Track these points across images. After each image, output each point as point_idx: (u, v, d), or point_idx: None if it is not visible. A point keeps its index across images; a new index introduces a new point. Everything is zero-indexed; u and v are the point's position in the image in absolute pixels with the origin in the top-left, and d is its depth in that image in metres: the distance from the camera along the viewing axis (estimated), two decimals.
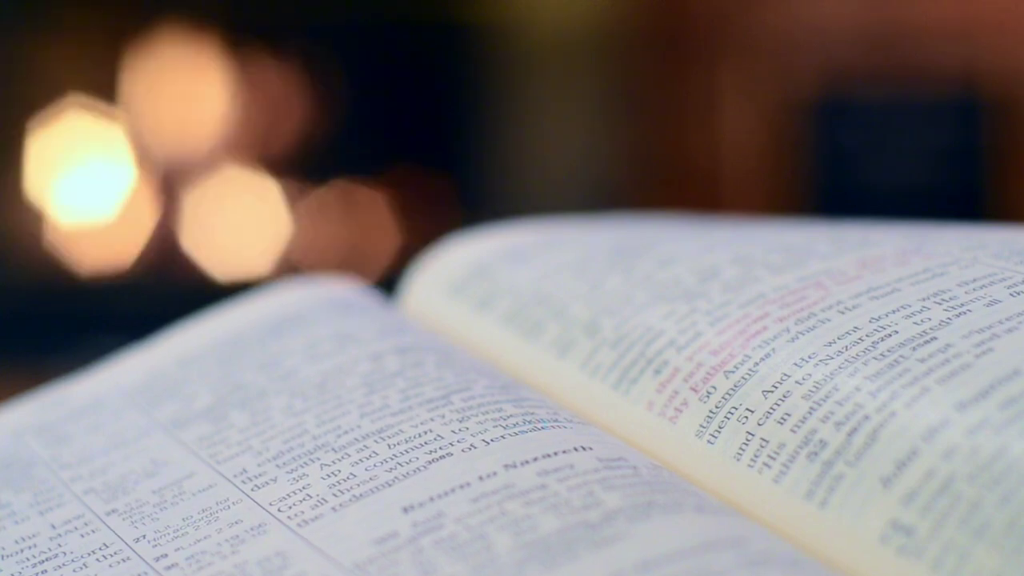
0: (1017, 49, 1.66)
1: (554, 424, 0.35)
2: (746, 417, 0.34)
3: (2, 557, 0.35)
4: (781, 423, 0.33)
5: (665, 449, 0.35)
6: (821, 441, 0.32)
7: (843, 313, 0.35)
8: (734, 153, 1.74)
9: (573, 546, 0.29)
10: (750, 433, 0.33)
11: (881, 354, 0.33)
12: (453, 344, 0.41)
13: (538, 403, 0.36)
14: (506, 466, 0.33)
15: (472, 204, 1.70)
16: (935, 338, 0.33)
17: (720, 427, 0.34)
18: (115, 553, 0.34)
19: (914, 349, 0.33)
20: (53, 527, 0.36)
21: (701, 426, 0.34)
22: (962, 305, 0.34)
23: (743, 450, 0.33)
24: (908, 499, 0.30)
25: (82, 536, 0.35)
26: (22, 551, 0.35)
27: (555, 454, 0.33)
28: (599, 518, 0.30)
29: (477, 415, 0.35)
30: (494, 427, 0.35)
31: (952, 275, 0.36)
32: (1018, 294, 0.34)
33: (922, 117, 1.67)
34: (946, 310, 0.34)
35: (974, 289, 0.35)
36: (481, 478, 0.32)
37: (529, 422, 0.35)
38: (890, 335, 0.34)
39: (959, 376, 0.32)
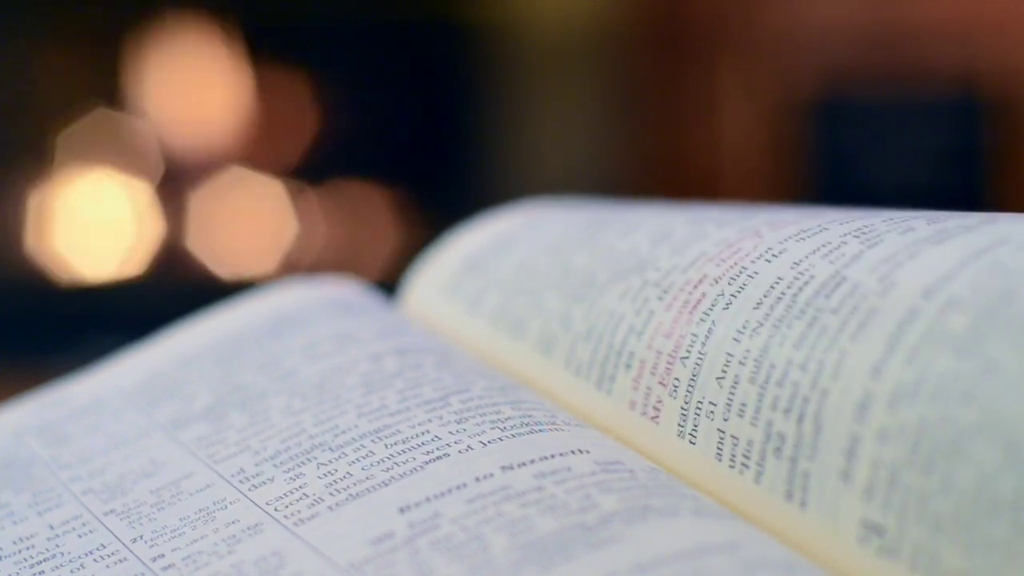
0: (1017, 49, 1.66)
1: (552, 427, 0.35)
2: (712, 412, 0.33)
3: (0, 557, 0.35)
4: (741, 416, 0.32)
5: (657, 453, 0.35)
6: (780, 434, 0.31)
7: (769, 261, 0.35)
8: (734, 153, 1.74)
9: (569, 547, 0.29)
10: (720, 430, 0.33)
11: (801, 310, 0.32)
12: (452, 344, 0.41)
13: (536, 405, 0.36)
14: (503, 468, 0.33)
15: (472, 204, 1.70)
16: (845, 278, 0.32)
17: (695, 425, 0.34)
18: (112, 554, 0.34)
19: (827, 296, 0.32)
20: (51, 527, 0.36)
21: (680, 425, 0.34)
22: (878, 236, 0.33)
23: (720, 449, 0.33)
24: (869, 494, 0.29)
25: (80, 536, 0.35)
26: (20, 551, 0.35)
27: (552, 456, 0.33)
28: (595, 520, 0.30)
29: (475, 417, 0.35)
30: (492, 429, 0.35)
31: (882, 216, 0.35)
32: (933, 222, 0.33)
33: (922, 117, 1.67)
34: (861, 243, 0.33)
35: (895, 223, 0.34)
36: (478, 479, 0.32)
37: (527, 424, 0.35)
38: (807, 282, 0.33)
39: (868, 326, 0.31)
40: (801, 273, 0.33)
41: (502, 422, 0.35)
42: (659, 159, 1.78)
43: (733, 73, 1.73)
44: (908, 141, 1.67)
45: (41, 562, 0.34)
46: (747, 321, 0.33)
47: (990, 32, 1.66)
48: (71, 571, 0.34)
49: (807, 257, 0.34)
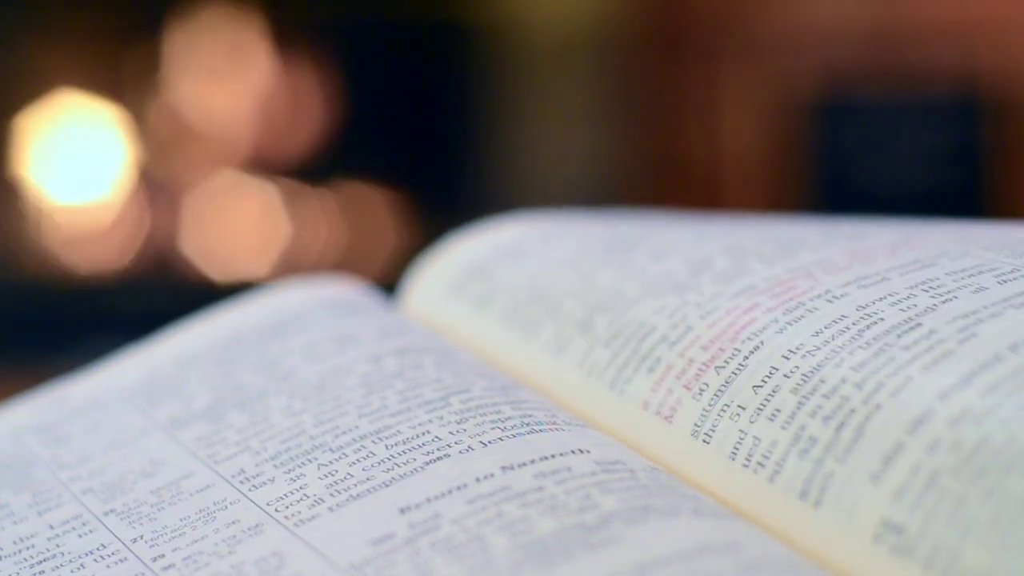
0: (1017, 49, 1.66)
1: (552, 427, 0.35)
2: (738, 415, 0.34)
3: (0, 557, 0.35)
4: (772, 420, 0.33)
5: (663, 450, 0.35)
6: (811, 438, 0.32)
7: (831, 302, 0.35)
8: (734, 153, 1.74)
9: (569, 548, 0.29)
10: (743, 431, 0.33)
11: (867, 342, 0.33)
12: (453, 345, 0.41)
13: (536, 405, 0.36)
14: (503, 468, 0.33)
15: (472, 204, 1.70)
16: (920, 324, 0.33)
17: (714, 426, 0.34)
18: (113, 553, 0.34)
19: (899, 336, 0.33)
20: (51, 527, 0.36)
21: (696, 425, 0.34)
22: (949, 292, 0.34)
23: (737, 449, 0.33)
24: (897, 496, 0.30)
25: (80, 536, 0.35)
26: (20, 551, 0.35)
27: (552, 456, 0.33)
28: (595, 521, 0.30)
29: (475, 417, 0.35)
30: (492, 429, 0.35)
31: (941, 265, 0.36)
32: (1005, 282, 0.34)
33: (922, 117, 1.67)
34: (932, 297, 0.34)
35: (962, 278, 0.35)
36: (478, 479, 0.32)
37: (527, 424, 0.35)
38: (876, 323, 0.34)
39: (942, 363, 0.31)
40: (869, 315, 0.34)
41: (502, 422, 0.35)
42: (659, 159, 1.78)
43: (733, 74, 1.73)
44: (908, 141, 1.67)
45: (41, 562, 0.34)
46: (802, 344, 0.34)
47: (990, 32, 1.66)
48: (71, 571, 0.34)
49: (873, 303, 0.35)
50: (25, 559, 0.35)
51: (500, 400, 0.36)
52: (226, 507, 0.34)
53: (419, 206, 1.75)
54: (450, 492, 0.32)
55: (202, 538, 0.33)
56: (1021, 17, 1.66)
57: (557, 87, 1.74)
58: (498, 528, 0.30)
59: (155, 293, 1.67)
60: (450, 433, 0.35)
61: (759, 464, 0.32)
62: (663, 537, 0.30)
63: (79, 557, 0.34)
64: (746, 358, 0.35)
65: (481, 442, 0.34)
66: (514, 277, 0.43)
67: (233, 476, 0.35)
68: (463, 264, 0.45)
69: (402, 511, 0.32)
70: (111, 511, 0.36)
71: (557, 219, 0.48)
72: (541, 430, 0.35)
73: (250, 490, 0.35)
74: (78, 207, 1.73)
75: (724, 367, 0.35)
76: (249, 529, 0.33)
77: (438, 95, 1.79)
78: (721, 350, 0.35)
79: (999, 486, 0.28)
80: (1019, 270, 0.35)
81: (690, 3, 1.76)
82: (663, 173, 1.77)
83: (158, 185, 1.73)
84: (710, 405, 0.34)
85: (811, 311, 0.35)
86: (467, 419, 0.35)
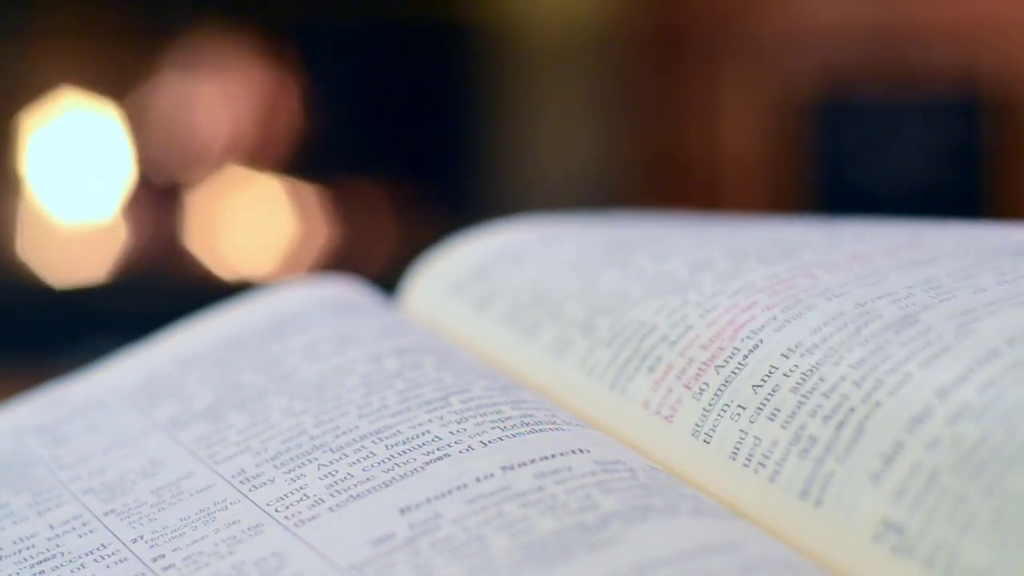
0: (1017, 49, 1.66)
1: (552, 426, 0.35)
2: (738, 414, 0.34)
3: (0, 558, 0.35)
4: (772, 419, 0.33)
5: (664, 450, 0.35)
6: (811, 437, 0.32)
7: (829, 300, 0.35)
8: (734, 153, 1.74)
9: (569, 548, 0.30)
10: (743, 431, 0.33)
11: (865, 339, 0.33)
12: (453, 345, 0.41)
13: (537, 405, 0.36)
14: (503, 468, 0.33)
15: (472, 204, 1.71)
16: (917, 321, 0.33)
17: (714, 426, 0.34)
18: (113, 553, 0.34)
19: (897, 332, 0.33)
20: (51, 527, 0.36)
21: (696, 425, 0.34)
22: (948, 291, 0.34)
23: (738, 449, 0.33)
24: (897, 495, 0.30)
25: (80, 536, 0.35)
26: (20, 551, 0.35)
27: (552, 456, 0.33)
28: (595, 521, 0.30)
29: (475, 417, 0.35)
30: (492, 429, 0.35)
31: (941, 265, 0.36)
32: (1005, 282, 0.34)
33: (922, 117, 1.67)
34: (931, 296, 0.34)
35: (962, 278, 0.35)
36: (478, 479, 0.32)
37: (527, 424, 0.35)
38: (874, 320, 0.34)
39: (940, 359, 0.32)
40: (867, 312, 0.34)
41: (502, 422, 0.35)
42: (659, 159, 1.78)
43: (733, 74, 1.73)
44: (908, 141, 1.67)
45: (41, 562, 0.34)
46: (800, 343, 0.34)
47: (990, 32, 1.66)
48: (71, 571, 0.34)
49: (872, 301, 0.35)
50: (25, 559, 0.35)
51: (500, 400, 0.36)
52: (226, 507, 0.34)
53: (419, 206, 1.75)
54: (450, 492, 0.32)
55: (202, 538, 0.33)
56: (1021, 17, 1.66)
57: (557, 87, 1.74)
58: (498, 528, 0.30)
59: (155, 293, 1.67)
60: (450, 433, 0.35)
61: (760, 464, 0.33)
62: (663, 537, 0.30)
63: (79, 557, 0.34)
64: (745, 357, 0.35)
65: (481, 442, 0.34)
66: (515, 279, 0.43)
67: (233, 476, 0.35)
68: (463, 266, 0.45)
69: (402, 511, 0.32)
70: (111, 511, 0.36)
71: (557, 223, 0.48)
72: (541, 430, 0.35)
73: (250, 490, 0.35)
74: (79, 206, 1.73)
75: (724, 366, 0.35)
76: (249, 529, 0.33)
77: (439, 95, 1.79)
78: (721, 349, 0.35)
79: (999, 483, 0.28)
80: (1019, 270, 0.35)
81: (690, 3, 1.76)
82: (663, 173, 1.77)
83: (158, 184, 1.73)
84: (710, 405, 0.35)
85: (809, 308, 0.35)
86: (467, 419, 0.35)
